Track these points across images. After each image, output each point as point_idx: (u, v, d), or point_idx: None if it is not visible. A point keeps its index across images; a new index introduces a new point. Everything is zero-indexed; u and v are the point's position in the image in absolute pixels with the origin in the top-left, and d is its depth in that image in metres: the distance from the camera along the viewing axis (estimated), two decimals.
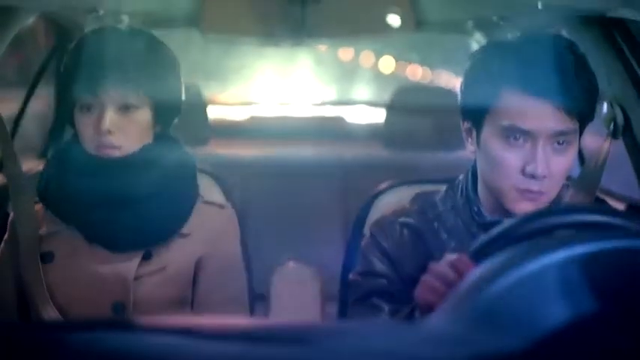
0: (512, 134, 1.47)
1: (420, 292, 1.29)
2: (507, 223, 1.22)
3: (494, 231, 1.21)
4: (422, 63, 6.43)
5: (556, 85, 1.44)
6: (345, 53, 6.08)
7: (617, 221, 1.18)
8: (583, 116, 1.49)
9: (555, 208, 1.48)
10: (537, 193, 1.47)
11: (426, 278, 1.28)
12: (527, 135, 1.46)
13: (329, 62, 5.27)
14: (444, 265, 1.25)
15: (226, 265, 1.78)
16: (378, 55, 6.68)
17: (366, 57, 6.53)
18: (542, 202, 1.49)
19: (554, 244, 0.87)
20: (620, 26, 1.88)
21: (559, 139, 1.47)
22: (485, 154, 1.52)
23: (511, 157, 1.47)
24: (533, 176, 1.46)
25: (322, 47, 4.71)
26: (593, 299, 0.78)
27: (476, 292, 0.81)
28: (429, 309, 1.21)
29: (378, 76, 6.47)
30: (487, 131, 1.51)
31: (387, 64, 6.73)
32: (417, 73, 6.62)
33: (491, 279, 0.81)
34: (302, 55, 4.45)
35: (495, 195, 1.53)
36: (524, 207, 1.47)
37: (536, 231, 1.18)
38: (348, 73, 5.77)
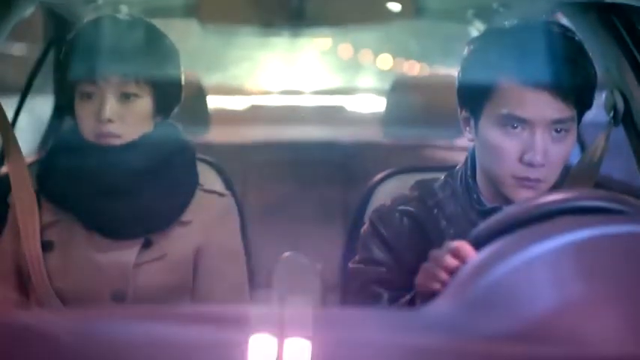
0: (510, 122, 1.47)
1: (421, 279, 1.29)
2: (507, 209, 1.22)
3: (495, 218, 1.21)
4: (419, 59, 6.45)
5: (553, 73, 1.44)
6: (344, 50, 6.13)
7: (617, 207, 1.18)
8: (581, 104, 1.49)
9: (555, 194, 1.48)
10: (535, 181, 1.48)
11: (426, 265, 1.28)
12: (525, 123, 1.46)
13: (329, 55, 5.29)
14: (444, 252, 1.25)
15: (226, 253, 1.78)
16: (376, 53, 6.74)
17: (365, 54, 6.59)
18: (541, 190, 1.49)
19: (553, 230, 0.87)
20: (619, 12, 1.87)
21: (557, 126, 1.47)
22: (484, 142, 1.52)
23: (509, 146, 1.47)
24: (531, 164, 1.46)
25: (322, 43, 4.72)
26: (593, 284, 0.79)
27: (477, 279, 0.81)
28: (429, 296, 1.22)
29: (376, 72, 6.51)
30: (485, 120, 1.51)
31: (385, 60, 6.79)
32: (414, 68, 6.64)
33: (492, 265, 0.82)
34: (302, 44, 4.45)
35: (494, 183, 1.53)
36: (522, 194, 1.47)
37: (537, 217, 1.18)
38: (347, 68, 5.81)
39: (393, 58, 6.81)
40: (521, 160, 1.47)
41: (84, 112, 1.66)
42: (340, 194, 2.99)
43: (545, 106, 1.45)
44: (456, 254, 1.23)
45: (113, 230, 1.70)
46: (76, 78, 1.65)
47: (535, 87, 1.44)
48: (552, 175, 1.50)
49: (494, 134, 1.49)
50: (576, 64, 1.47)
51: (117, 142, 1.66)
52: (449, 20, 3.13)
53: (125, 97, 1.65)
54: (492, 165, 1.51)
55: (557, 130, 1.47)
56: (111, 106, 1.63)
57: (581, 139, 2.40)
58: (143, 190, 1.69)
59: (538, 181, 1.47)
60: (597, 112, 1.70)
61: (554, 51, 1.45)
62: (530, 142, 1.46)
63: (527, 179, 1.47)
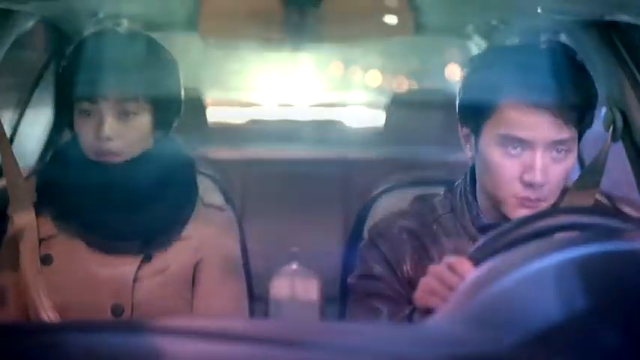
0: (511, 143, 1.46)
1: (420, 295, 1.29)
2: (506, 225, 1.22)
3: (494, 233, 1.21)
4: (408, 75, 6.51)
5: (555, 94, 1.44)
6: (336, 68, 6.23)
7: (616, 223, 1.18)
8: (582, 124, 1.49)
9: (554, 210, 1.48)
10: (536, 201, 1.47)
11: (425, 280, 1.29)
12: (526, 144, 1.46)
13: (321, 71, 5.33)
14: (443, 267, 1.26)
15: (225, 268, 1.78)
16: (365, 69, 6.83)
17: (355, 71, 6.71)
18: (541, 209, 1.49)
19: (552, 246, 0.87)
20: (619, 29, 1.88)
21: (557, 147, 1.46)
22: (484, 160, 1.52)
23: (509, 166, 1.47)
24: (531, 185, 1.45)
25: (312, 60, 4.77)
26: (591, 301, 0.79)
27: (475, 294, 0.81)
28: (428, 311, 1.22)
29: (367, 89, 6.60)
30: (485, 138, 1.50)
31: (374, 77, 6.88)
32: (404, 84, 6.71)
33: (490, 280, 0.82)
34: (294, 59, 4.47)
35: (494, 201, 1.53)
36: (522, 214, 1.47)
37: (535, 233, 1.18)
38: (338, 85, 5.91)
39: (382, 74, 6.89)
40: (521, 180, 1.46)
41: (83, 129, 1.66)
42: (340, 207, 2.99)
43: (546, 127, 1.44)
44: (454, 269, 1.23)
45: (113, 247, 1.70)
46: (74, 96, 1.65)
47: (536, 108, 1.44)
48: (553, 194, 1.49)
49: (494, 153, 1.48)
50: (578, 85, 1.47)
51: (117, 159, 1.66)
52: (448, 36, 3.14)
53: (124, 114, 1.65)
54: (492, 184, 1.51)
55: (557, 150, 1.47)
56: (110, 124, 1.63)
57: (581, 155, 2.40)
58: (144, 206, 1.69)
59: (538, 200, 1.47)
60: (596, 128, 1.70)
61: (556, 71, 1.45)
62: (530, 162, 1.45)
63: (528, 199, 1.47)
